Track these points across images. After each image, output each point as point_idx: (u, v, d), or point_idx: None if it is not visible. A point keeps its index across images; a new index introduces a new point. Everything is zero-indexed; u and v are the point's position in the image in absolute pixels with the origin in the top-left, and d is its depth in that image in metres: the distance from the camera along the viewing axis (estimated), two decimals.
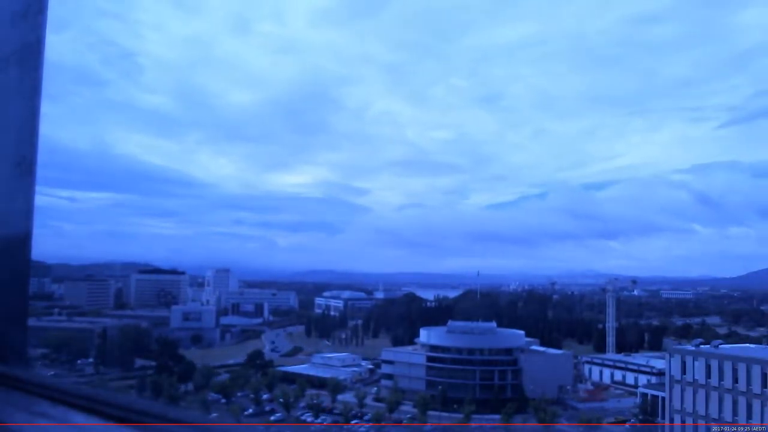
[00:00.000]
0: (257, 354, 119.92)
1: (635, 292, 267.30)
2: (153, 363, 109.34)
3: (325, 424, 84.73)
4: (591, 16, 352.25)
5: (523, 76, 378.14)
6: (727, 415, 64.64)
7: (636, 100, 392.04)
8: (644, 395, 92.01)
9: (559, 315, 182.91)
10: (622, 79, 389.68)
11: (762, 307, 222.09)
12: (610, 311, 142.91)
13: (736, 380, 64.40)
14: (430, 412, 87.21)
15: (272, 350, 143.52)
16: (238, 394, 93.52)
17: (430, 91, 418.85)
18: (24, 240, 3.06)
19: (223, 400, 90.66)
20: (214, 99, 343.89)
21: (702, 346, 72.99)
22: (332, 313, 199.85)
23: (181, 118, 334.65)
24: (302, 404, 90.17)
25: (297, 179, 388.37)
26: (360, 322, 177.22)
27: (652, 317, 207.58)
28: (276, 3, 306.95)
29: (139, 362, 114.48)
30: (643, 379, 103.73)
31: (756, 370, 63.00)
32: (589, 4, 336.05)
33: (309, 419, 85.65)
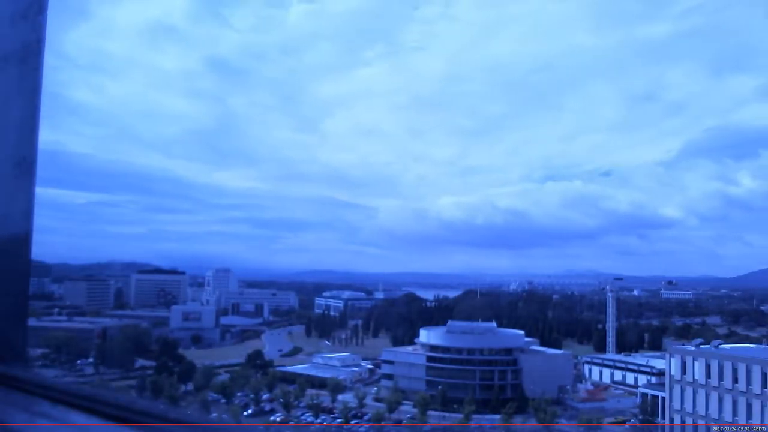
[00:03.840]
0: (257, 354, 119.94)
1: (635, 292, 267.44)
2: (153, 363, 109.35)
3: (325, 424, 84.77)
4: (411, 76, 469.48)
5: (386, 116, 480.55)
6: (727, 415, 64.65)
7: (486, 130, 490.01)
8: (644, 395, 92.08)
9: (559, 315, 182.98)
10: (461, 117, 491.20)
11: (762, 307, 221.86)
12: (610, 311, 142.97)
13: (736, 380, 64.40)
14: (430, 412, 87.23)
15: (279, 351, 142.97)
16: (238, 394, 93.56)
17: (319, 126, 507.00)
18: (24, 240, 3.06)
19: (223, 400, 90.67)
20: (146, 132, 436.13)
21: (702, 346, 72.99)
22: (332, 313, 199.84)
23: (126, 141, 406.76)
24: (302, 404, 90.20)
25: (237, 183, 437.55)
26: (360, 322, 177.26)
27: (652, 317, 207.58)
28: (179, 68, 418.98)
29: (139, 362, 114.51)
30: (643, 379, 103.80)
31: (756, 370, 63.01)
32: (408, 69, 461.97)
33: (309, 419, 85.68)
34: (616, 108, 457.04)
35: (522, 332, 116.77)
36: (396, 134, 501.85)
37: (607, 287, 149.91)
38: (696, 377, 68.09)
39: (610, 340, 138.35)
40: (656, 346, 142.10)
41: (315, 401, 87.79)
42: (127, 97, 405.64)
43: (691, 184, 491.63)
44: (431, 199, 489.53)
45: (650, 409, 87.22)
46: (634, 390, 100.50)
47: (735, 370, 64.82)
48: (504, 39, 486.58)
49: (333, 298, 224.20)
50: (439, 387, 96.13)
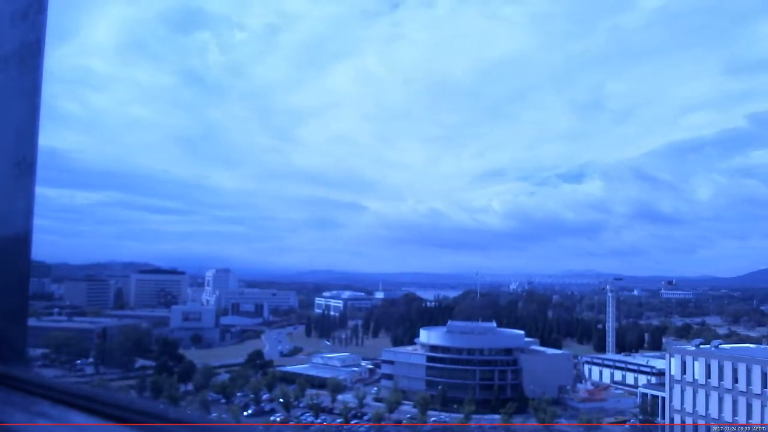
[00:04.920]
0: (257, 354, 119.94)
1: (635, 292, 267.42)
2: (153, 363, 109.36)
3: (325, 424, 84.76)
4: (373, 89, 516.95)
5: (355, 124, 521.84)
6: (727, 415, 64.70)
7: (449, 137, 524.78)
8: (644, 395, 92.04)
9: (559, 315, 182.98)
10: (429, 125, 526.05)
11: (762, 307, 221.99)
12: (610, 311, 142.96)
13: (736, 380, 64.44)
14: (430, 412, 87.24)
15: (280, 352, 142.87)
16: (238, 394, 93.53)
17: (293, 134, 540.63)
18: (24, 240, 3.06)
19: (223, 400, 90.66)
20: (131, 139, 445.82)
21: (702, 346, 73.01)
22: (332, 313, 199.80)
23: (114, 147, 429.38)
24: (302, 404, 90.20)
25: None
26: (360, 322, 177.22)
27: (652, 317, 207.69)
28: (156, 82, 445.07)
29: (139, 362, 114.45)
30: (643, 379, 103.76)
31: (756, 370, 63.05)
32: (370, 83, 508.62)
33: (309, 419, 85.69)
34: (567, 116, 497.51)
35: (522, 332, 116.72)
36: (367, 141, 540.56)
37: (607, 287, 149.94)
38: (696, 377, 68.12)
39: (610, 340, 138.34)
40: (656, 346, 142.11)
41: (315, 401, 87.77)
42: (110, 108, 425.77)
43: (638, 187, 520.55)
44: (413, 202, 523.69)
45: (650, 409, 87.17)
46: (634, 390, 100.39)
47: (735, 370, 64.86)
48: (450, 55, 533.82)
49: (333, 298, 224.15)
50: (439, 387, 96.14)
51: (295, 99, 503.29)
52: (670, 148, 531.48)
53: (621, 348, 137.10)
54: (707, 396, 66.66)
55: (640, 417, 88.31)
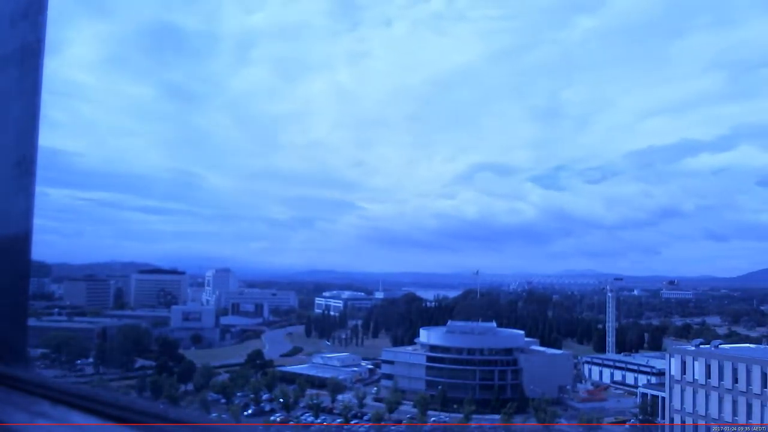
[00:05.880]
0: (257, 354, 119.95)
1: (635, 292, 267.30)
2: (153, 363, 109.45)
3: (325, 424, 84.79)
4: (349, 98, 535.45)
5: (332, 131, 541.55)
6: (727, 415, 64.68)
7: (421, 144, 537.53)
8: (644, 395, 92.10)
9: (559, 315, 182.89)
10: (400, 132, 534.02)
11: (762, 307, 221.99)
12: (610, 311, 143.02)
13: (736, 380, 64.43)
14: (430, 412, 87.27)
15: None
16: (238, 394, 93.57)
17: (277, 139, 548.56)
18: (24, 240, 3.06)
19: (223, 400, 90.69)
20: (124, 143, 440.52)
21: (702, 346, 73.00)
22: (332, 313, 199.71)
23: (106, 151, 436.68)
24: (302, 404, 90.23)
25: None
26: (360, 322, 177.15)
27: (652, 317, 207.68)
28: (140, 93, 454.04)
29: (139, 362, 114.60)
30: (643, 379, 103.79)
31: (756, 370, 63.05)
32: (344, 93, 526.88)
33: (309, 419, 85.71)
34: (528, 123, 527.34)
35: (522, 332, 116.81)
36: (348, 146, 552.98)
37: (607, 287, 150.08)
38: (696, 377, 68.11)
39: (610, 340, 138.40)
40: (656, 346, 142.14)
41: (315, 401, 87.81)
42: (100, 118, 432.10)
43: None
44: (397, 203, 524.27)
45: (650, 409, 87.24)
46: (634, 390, 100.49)
47: (735, 370, 64.85)
48: (411, 69, 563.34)
49: (333, 298, 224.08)
50: (439, 387, 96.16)
51: (275, 108, 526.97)
52: (631, 153, 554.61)
53: (621, 348, 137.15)
54: (707, 396, 66.64)
55: (640, 417, 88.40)
